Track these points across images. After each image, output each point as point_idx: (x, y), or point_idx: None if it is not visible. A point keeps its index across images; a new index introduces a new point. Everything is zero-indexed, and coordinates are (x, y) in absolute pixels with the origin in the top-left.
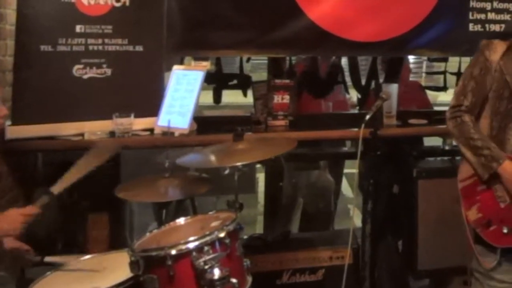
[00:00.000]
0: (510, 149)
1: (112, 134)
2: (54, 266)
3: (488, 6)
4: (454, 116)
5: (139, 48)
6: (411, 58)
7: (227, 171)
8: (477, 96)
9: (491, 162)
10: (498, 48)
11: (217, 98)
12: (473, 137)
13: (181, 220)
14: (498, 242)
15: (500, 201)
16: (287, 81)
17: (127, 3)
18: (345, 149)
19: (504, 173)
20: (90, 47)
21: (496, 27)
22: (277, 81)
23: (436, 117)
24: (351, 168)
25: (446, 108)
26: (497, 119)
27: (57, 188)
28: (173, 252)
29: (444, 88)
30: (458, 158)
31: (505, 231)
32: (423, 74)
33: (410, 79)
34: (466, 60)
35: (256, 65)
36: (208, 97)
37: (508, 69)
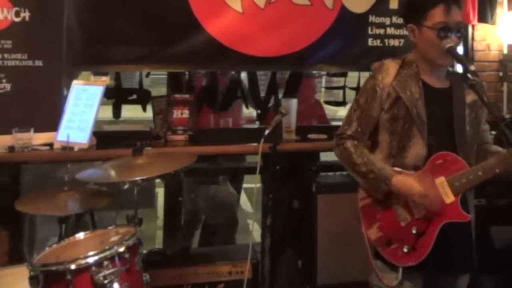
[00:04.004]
0: (408, 164)
1: (11, 149)
2: None
3: (387, 21)
4: (338, 144)
5: (39, 63)
6: None
7: (126, 186)
8: (363, 124)
9: (379, 184)
10: (391, 69)
11: (117, 113)
12: (356, 163)
13: (80, 235)
14: (400, 261)
15: (400, 219)
16: (186, 95)
17: (27, 19)
18: (245, 163)
19: (395, 189)
20: None
21: (395, 42)
22: (177, 96)
23: (335, 132)
24: (250, 183)
25: None
26: (396, 139)
27: None
28: (73, 266)
29: (343, 103)
30: None
31: (405, 250)
32: (323, 89)
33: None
34: (365, 75)
35: (156, 80)
36: (107, 112)
37: (402, 87)
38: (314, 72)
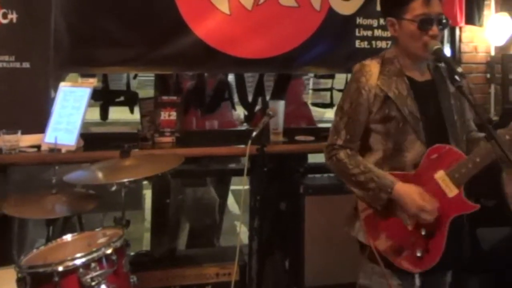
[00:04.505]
0: (409, 164)
1: None
2: None
3: (374, 23)
4: (330, 156)
5: (26, 65)
6: None
7: (114, 188)
8: (351, 131)
9: (379, 193)
10: (373, 70)
11: (104, 114)
12: (353, 173)
13: (68, 237)
14: (414, 267)
15: (407, 224)
16: (174, 97)
17: (14, 20)
18: (233, 165)
19: (397, 197)
20: None
21: (382, 44)
22: (164, 97)
23: (323, 134)
24: (238, 185)
25: None
26: (391, 141)
27: None
28: (60, 268)
29: (330, 105)
30: None
31: (419, 254)
32: (310, 91)
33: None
34: None
35: (143, 82)
36: (95, 114)
37: (388, 86)
38: None
